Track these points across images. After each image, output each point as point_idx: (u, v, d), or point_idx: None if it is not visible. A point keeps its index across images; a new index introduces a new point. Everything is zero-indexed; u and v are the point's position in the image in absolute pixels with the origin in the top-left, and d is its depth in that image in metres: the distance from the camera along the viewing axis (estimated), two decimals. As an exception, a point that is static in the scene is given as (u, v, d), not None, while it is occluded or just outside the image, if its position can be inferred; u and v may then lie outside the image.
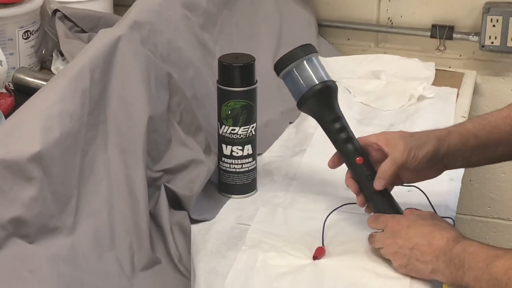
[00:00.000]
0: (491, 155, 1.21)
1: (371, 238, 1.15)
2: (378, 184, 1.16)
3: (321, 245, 1.16)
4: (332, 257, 1.15)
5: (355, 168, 1.19)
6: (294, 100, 1.22)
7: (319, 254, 1.15)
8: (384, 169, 1.16)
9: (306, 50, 1.21)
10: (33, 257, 0.98)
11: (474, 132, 1.19)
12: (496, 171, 1.93)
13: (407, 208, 1.17)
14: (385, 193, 1.19)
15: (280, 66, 1.21)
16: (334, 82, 1.21)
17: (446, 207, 1.29)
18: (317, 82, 1.19)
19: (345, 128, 1.20)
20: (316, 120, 1.23)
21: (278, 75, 1.22)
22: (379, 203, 1.18)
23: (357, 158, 1.18)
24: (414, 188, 1.33)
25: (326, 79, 1.19)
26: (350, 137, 1.20)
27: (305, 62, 1.20)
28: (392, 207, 1.18)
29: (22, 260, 0.97)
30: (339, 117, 1.21)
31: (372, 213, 1.18)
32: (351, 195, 1.31)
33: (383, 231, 1.14)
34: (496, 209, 1.97)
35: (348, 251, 1.16)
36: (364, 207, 1.21)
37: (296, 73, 1.20)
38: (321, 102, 1.20)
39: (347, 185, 1.20)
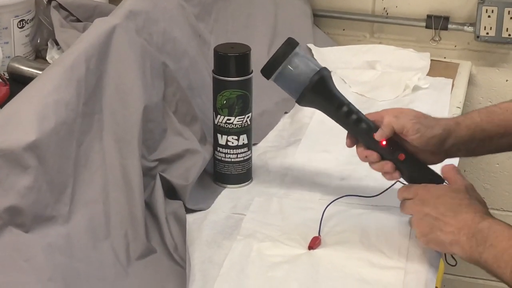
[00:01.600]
0: (496, 146, 1.21)
1: (402, 205, 1.14)
2: (378, 135, 1.16)
3: (316, 234, 1.17)
4: (327, 247, 1.15)
5: (376, 145, 1.17)
6: (293, 98, 1.20)
7: (314, 244, 1.15)
8: (387, 122, 1.16)
9: (289, 46, 1.18)
10: (29, 246, 0.98)
11: (482, 125, 1.18)
12: (491, 162, 1.94)
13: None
14: (414, 160, 1.18)
15: (268, 71, 1.18)
16: (326, 68, 1.19)
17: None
18: (311, 75, 1.17)
19: (351, 110, 1.18)
20: (321, 111, 1.21)
21: (268, 79, 1.19)
22: (410, 169, 1.17)
23: (383, 143, 1.17)
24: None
25: (318, 68, 1.18)
26: (360, 118, 1.18)
27: (293, 58, 1.17)
28: (425, 172, 1.18)
29: (17, 249, 0.97)
30: (343, 102, 1.18)
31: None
32: (347, 184, 1.32)
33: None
34: (490, 199, 1.98)
35: (343, 241, 1.17)
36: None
37: (287, 72, 1.18)
38: (321, 93, 1.18)
39: (366, 156, 1.18)
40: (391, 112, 1.18)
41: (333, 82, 1.19)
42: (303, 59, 1.18)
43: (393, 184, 1.20)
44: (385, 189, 1.21)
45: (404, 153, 1.17)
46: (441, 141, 1.17)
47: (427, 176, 1.18)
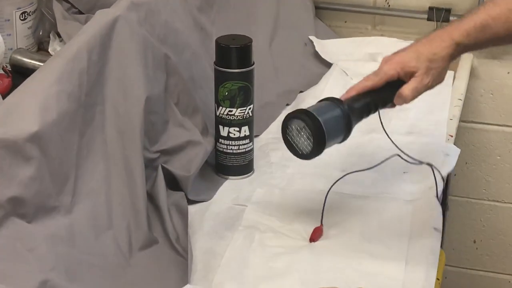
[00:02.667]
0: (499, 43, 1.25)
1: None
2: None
3: (318, 225, 1.17)
4: (328, 239, 1.16)
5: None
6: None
7: (316, 235, 1.15)
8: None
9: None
10: (32, 236, 0.99)
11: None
12: (492, 154, 1.94)
13: None
14: None
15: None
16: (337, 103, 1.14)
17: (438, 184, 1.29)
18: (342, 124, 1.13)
19: (363, 112, 1.17)
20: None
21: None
22: None
23: None
24: (410, 170, 1.34)
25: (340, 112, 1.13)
26: (373, 107, 1.17)
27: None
28: None
29: (20, 239, 0.97)
30: (363, 109, 1.16)
31: None
32: (348, 176, 1.32)
33: None
34: (491, 191, 1.98)
35: (344, 233, 1.17)
36: None
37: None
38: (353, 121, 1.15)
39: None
40: (398, 67, 1.18)
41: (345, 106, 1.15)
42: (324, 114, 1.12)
43: (391, 157, 1.19)
44: (383, 160, 1.21)
45: None
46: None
47: None
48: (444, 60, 1.18)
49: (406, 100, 1.19)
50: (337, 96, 1.17)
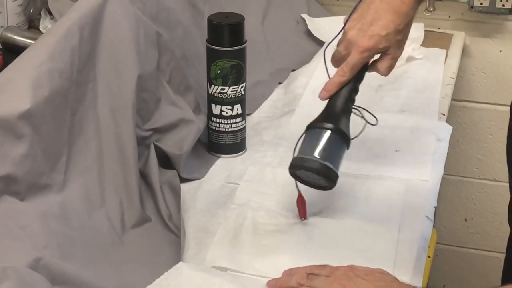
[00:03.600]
0: None
1: (312, 279, 0.99)
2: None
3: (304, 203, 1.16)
4: (320, 217, 1.16)
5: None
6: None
7: (302, 210, 1.15)
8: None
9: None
10: (24, 214, 0.99)
11: None
12: (483, 132, 1.95)
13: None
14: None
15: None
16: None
17: (433, 167, 1.30)
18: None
19: (351, 96, 1.15)
20: None
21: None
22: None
23: None
24: (402, 148, 1.34)
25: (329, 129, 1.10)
26: (353, 99, 1.16)
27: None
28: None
29: (13, 217, 0.98)
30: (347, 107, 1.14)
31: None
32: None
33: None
34: (483, 170, 1.99)
35: (336, 211, 1.17)
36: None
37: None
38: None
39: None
40: (367, 56, 1.14)
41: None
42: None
43: (364, 127, 1.18)
44: (360, 131, 1.17)
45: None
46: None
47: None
48: (409, 16, 1.14)
49: (384, 76, 1.18)
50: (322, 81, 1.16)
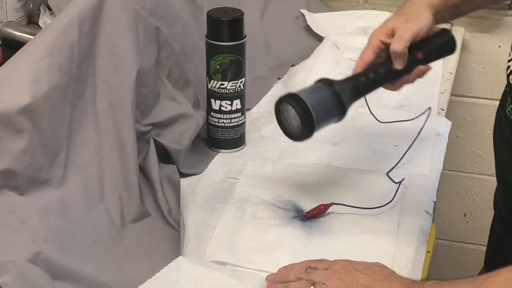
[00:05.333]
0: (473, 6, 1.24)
1: (311, 273, 0.99)
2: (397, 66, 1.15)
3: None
4: (319, 215, 1.16)
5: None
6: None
7: (314, 212, 1.15)
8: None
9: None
10: (24, 208, 0.99)
11: None
12: (483, 128, 1.95)
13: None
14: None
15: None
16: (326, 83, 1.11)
17: (432, 162, 1.30)
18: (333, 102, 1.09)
19: (367, 76, 1.14)
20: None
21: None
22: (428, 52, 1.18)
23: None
24: (401, 143, 1.34)
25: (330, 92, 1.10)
26: (370, 84, 1.15)
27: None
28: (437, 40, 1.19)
29: (12, 211, 0.98)
30: (359, 81, 1.14)
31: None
32: (339, 149, 1.32)
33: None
34: (482, 165, 1.99)
35: (336, 206, 1.17)
36: None
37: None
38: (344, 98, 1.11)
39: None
40: (382, 35, 1.17)
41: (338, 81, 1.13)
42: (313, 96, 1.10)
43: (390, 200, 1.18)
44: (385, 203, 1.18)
45: (420, 52, 1.18)
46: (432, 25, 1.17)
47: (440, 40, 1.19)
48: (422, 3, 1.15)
49: (398, 50, 1.15)
50: (338, 74, 1.15)
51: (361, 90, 1.14)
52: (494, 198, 1.35)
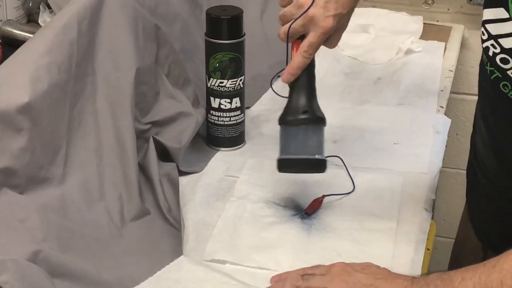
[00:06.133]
0: None
1: (309, 280, 0.98)
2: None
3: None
4: (319, 209, 1.16)
5: None
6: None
7: (312, 207, 1.15)
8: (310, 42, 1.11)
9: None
10: (24, 206, 0.99)
11: None
12: (483, 125, 1.95)
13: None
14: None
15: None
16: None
17: (432, 160, 1.31)
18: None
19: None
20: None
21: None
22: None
23: None
24: (400, 140, 1.34)
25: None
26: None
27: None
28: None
29: (12, 210, 0.98)
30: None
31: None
32: (339, 147, 1.32)
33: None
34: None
35: (335, 204, 1.18)
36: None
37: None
38: None
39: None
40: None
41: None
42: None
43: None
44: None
45: None
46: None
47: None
48: None
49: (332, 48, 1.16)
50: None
51: (315, 87, 1.14)
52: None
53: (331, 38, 1.14)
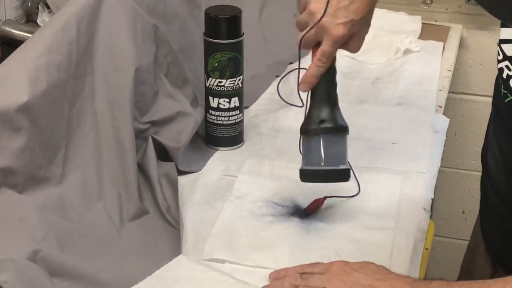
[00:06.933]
0: None
1: (308, 278, 0.98)
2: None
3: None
4: (318, 210, 1.17)
5: None
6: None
7: (312, 207, 1.16)
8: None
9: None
10: (23, 206, 0.99)
11: None
12: (481, 125, 1.95)
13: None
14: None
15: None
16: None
17: (430, 159, 1.31)
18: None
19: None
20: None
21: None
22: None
23: None
24: (399, 140, 1.35)
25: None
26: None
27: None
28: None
29: (11, 209, 0.98)
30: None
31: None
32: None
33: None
34: (480, 162, 1.99)
35: (334, 203, 1.18)
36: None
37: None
38: None
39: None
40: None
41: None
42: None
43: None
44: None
45: None
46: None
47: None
48: None
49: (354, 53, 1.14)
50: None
51: (336, 95, 1.13)
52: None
53: (350, 43, 1.12)
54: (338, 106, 1.13)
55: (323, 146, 1.10)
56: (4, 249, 0.92)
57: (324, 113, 1.11)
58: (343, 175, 1.10)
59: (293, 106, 1.45)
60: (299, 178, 1.20)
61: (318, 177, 1.10)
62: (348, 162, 1.11)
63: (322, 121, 1.10)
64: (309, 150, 1.11)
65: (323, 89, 1.12)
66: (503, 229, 1.16)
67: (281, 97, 1.24)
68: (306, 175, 1.10)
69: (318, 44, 1.11)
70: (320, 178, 1.11)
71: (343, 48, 1.13)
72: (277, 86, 1.24)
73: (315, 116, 1.11)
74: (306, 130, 1.12)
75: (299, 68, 1.16)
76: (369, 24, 1.13)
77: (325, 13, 1.07)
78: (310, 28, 1.09)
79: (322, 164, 1.09)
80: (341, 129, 1.11)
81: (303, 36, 1.11)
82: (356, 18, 1.08)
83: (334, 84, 1.13)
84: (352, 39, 1.11)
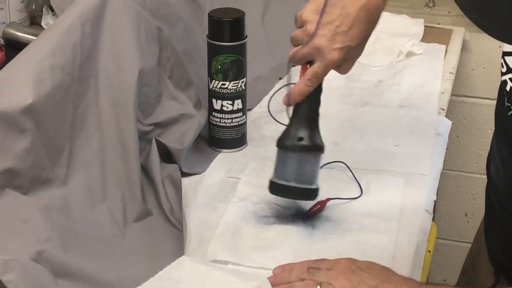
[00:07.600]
0: None
1: (313, 273, 0.98)
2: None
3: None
4: (321, 212, 1.17)
5: None
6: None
7: (315, 209, 1.16)
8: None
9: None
10: (27, 207, 0.99)
11: None
12: (483, 127, 1.95)
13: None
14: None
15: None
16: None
17: (433, 162, 1.31)
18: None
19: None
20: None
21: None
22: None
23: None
24: (401, 142, 1.35)
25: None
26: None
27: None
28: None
29: (15, 210, 0.98)
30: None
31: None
32: (340, 149, 1.32)
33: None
34: (482, 165, 1.98)
35: (336, 205, 1.18)
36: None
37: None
38: None
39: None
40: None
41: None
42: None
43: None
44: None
45: None
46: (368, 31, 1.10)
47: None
48: (377, 22, 1.07)
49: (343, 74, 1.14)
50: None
51: (318, 114, 1.13)
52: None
53: (342, 66, 1.12)
54: (318, 124, 1.13)
55: (297, 164, 1.11)
56: (8, 249, 0.93)
57: (304, 131, 1.11)
58: (312, 194, 1.12)
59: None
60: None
61: (287, 192, 1.12)
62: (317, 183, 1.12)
63: (300, 139, 1.11)
64: (283, 164, 1.12)
65: (307, 106, 1.12)
66: (506, 238, 1.17)
67: (271, 114, 1.27)
68: (276, 188, 1.12)
69: (309, 62, 1.11)
70: (289, 193, 1.12)
71: (333, 69, 1.12)
72: (268, 103, 1.26)
73: (295, 132, 1.12)
74: (283, 145, 1.12)
75: (288, 84, 1.16)
76: (363, 49, 1.13)
77: (314, 33, 1.06)
78: (304, 46, 1.09)
79: (294, 181, 1.11)
80: (316, 149, 1.12)
81: (294, 53, 1.11)
82: (353, 45, 1.08)
83: (318, 103, 1.14)
84: (345, 63, 1.12)
